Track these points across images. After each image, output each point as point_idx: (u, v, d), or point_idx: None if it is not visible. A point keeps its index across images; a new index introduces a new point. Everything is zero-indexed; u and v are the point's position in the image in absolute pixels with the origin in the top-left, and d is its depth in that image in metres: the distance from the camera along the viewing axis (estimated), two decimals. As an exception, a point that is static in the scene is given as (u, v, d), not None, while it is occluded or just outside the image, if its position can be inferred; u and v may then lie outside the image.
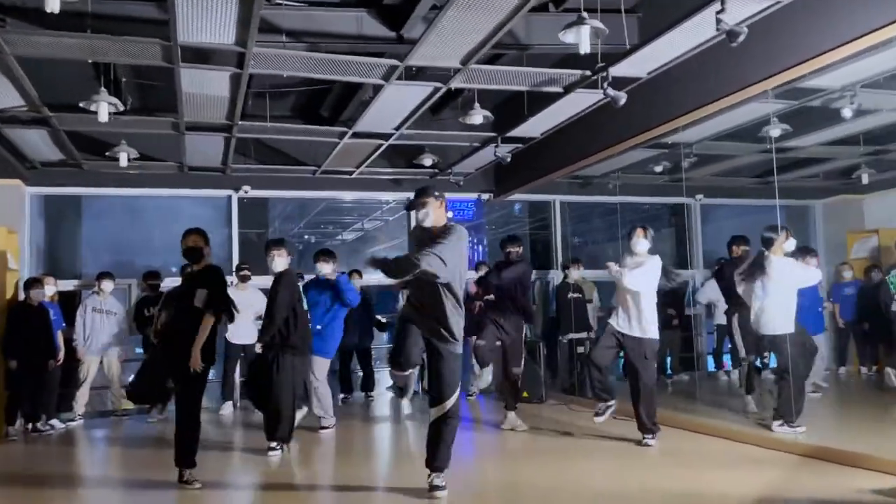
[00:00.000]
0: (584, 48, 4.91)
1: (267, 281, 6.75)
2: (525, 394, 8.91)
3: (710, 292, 8.98)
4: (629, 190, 10.78)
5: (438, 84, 6.11)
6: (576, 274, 9.47)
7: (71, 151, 7.97)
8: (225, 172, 9.29)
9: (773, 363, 6.43)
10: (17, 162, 8.35)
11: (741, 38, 4.56)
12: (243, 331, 8.22)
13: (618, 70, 5.86)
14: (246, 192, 9.85)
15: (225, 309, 5.17)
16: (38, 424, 7.84)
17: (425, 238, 4.61)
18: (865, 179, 9.82)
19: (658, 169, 9.77)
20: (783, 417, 5.89)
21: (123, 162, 7.74)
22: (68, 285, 9.43)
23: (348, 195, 10.77)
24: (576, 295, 9.34)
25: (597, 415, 6.18)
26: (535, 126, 7.67)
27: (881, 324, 8.25)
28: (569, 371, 9.19)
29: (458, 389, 4.57)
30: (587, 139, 7.95)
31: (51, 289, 8.27)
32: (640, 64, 5.86)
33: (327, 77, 5.87)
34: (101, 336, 8.45)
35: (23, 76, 5.52)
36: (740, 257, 6.96)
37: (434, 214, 4.66)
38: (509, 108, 7.64)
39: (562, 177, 9.73)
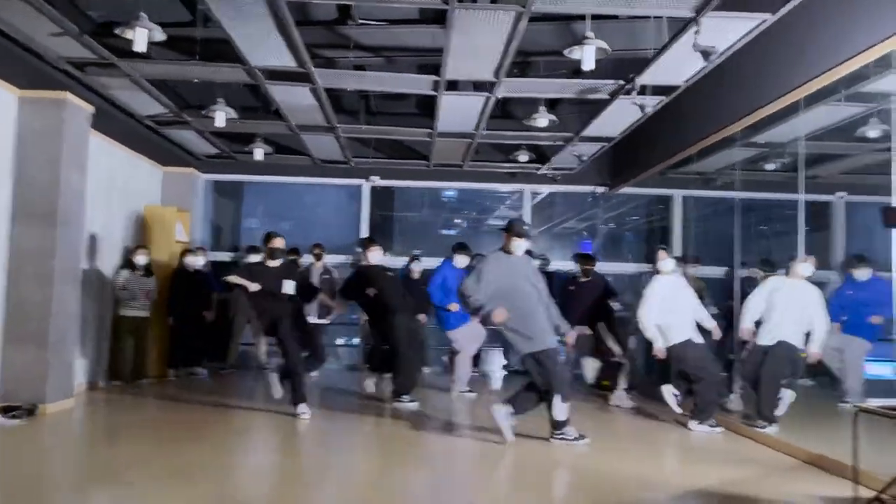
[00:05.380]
0: (589, 65, 5.35)
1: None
2: (605, 382, 9.33)
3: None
4: (754, 186, 10.59)
5: (486, 94, 6.77)
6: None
7: (220, 146, 9.61)
8: (350, 165, 10.56)
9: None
10: (188, 155, 10.21)
11: (714, 57, 4.78)
12: None
13: (654, 79, 6.17)
14: (374, 182, 11.09)
15: None
16: (195, 369, 9.66)
17: None
18: None
19: (769, 167, 9.54)
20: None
21: (258, 156, 9.22)
22: (228, 256, 11.30)
23: (464, 186, 11.62)
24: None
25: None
26: (610, 127, 7.99)
27: None
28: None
29: None
30: (677, 136, 8.13)
31: (201, 259, 9.89)
32: (673, 73, 6.10)
33: (386, 90, 6.75)
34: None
35: (153, 90, 7.01)
36: None
37: None
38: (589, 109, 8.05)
39: (674, 172, 9.84)
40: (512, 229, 5.68)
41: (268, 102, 8.44)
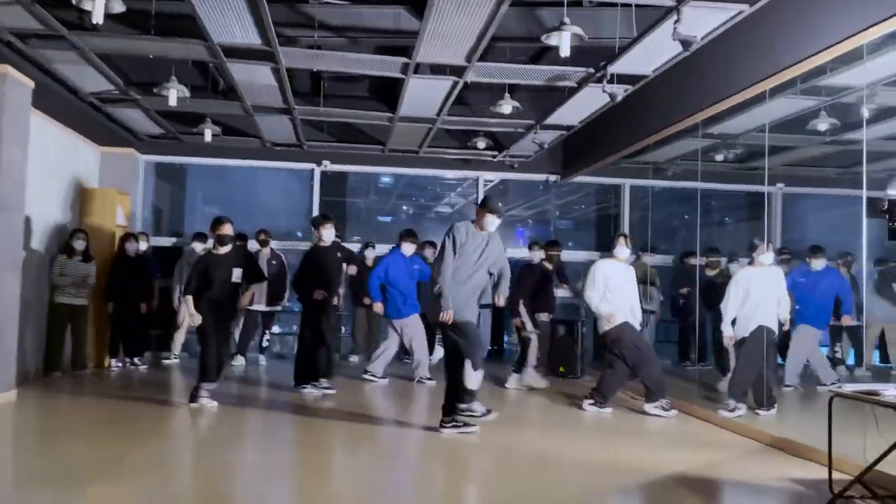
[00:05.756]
0: (565, 52, 5.31)
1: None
2: (562, 368, 9.42)
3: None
4: (703, 177, 10.83)
5: (455, 78, 6.67)
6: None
7: (166, 126, 9.21)
8: (302, 148, 10.30)
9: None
10: (129, 135, 9.75)
11: (694, 46, 4.81)
12: None
13: (622, 68, 6.18)
14: (326, 167, 10.85)
15: None
16: (137, 359, 9.25)
17: None
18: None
19: (718, 157, 9.77)
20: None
21: (208, 137, 8.88)
22: (170, 242, 10.90)
23: (420, 172, 11.49)
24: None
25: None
26: (572, 115, 8.02)
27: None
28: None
29: None
30: (626, 128, 8.23)
31: (143, 244, 9.48)
32: (643, 63, 6.14)
33: (353, 71, 6.57)
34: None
35: (102, 65, 6.64)
36: None
37: None
38: (548, 97, 8.04)
39: (626, 162, 9.97)
40: (486, 205, 5.61)
41: (216, 82, 8.14)
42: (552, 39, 5.35)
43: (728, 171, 10.49)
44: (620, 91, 6.17)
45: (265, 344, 10.15)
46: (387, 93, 9.05)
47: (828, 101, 7.18)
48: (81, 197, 9.25)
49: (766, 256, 6.58)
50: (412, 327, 8.13)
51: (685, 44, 4.87)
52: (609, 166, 10.14)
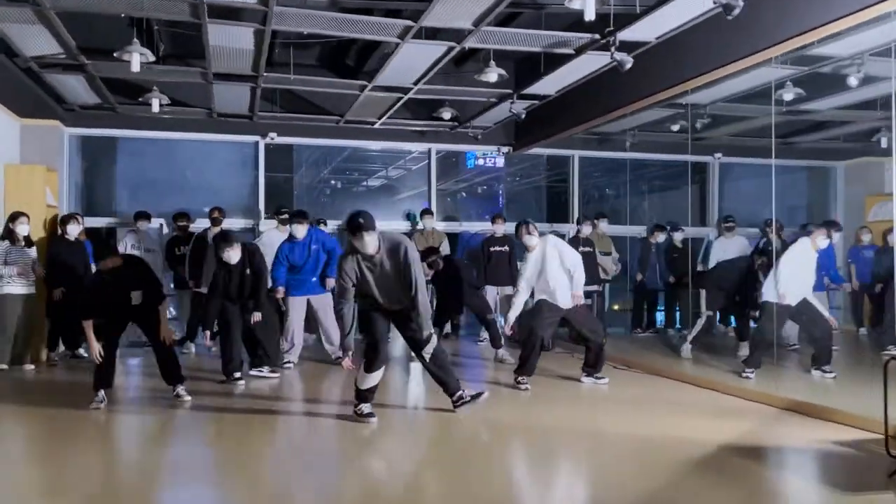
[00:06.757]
0: (590, 15, 5.11)
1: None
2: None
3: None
4: (646, 147, 10.97)
5: (452, 44, 6.34)
6: (587, 230, 9.73)
7: (106, 96, 8.37)
8: (252, 119, 9.64)
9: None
10: (55, 104, 8.79)
11: (737, 10, 4.71)
12: None
13: (626, 35, 6.05)
14: (272, 139, 10.21)
15: None
16: (78, 351, 8.44)
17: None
18: (885, 143, 9.85)
19: (675, 128, 9.89)
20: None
21: (156, 108, 8.12)
22: (103, 223, 10.00)
23: (372, 144, 11.06)
24: (586, 249, 9.62)
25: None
26: (551, 84, 7.87)
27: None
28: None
29: None
30: (603, 98, 8.11)
31: (80, 226, 8.66)
32: (649, 29, 6.02)
33: (346, 35, 6.13)
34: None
35: (60, 25, 5.87)
36: None
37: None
38: (526, 66, 7.84)
39: (579, 133, 9.93)
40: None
41: (158, 48, 7.42)
42: (575, 3, 5.14)
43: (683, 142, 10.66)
44: (629, 59, 6.03)
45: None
46: (337, 61, 8.57)
47: (806, 71, 7.34)
48: (4, 175, 8.30)
49: (822, 240, 6.67)
50: (292, 308, 7.75)
51: (728, 7, 4.76)
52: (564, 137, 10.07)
